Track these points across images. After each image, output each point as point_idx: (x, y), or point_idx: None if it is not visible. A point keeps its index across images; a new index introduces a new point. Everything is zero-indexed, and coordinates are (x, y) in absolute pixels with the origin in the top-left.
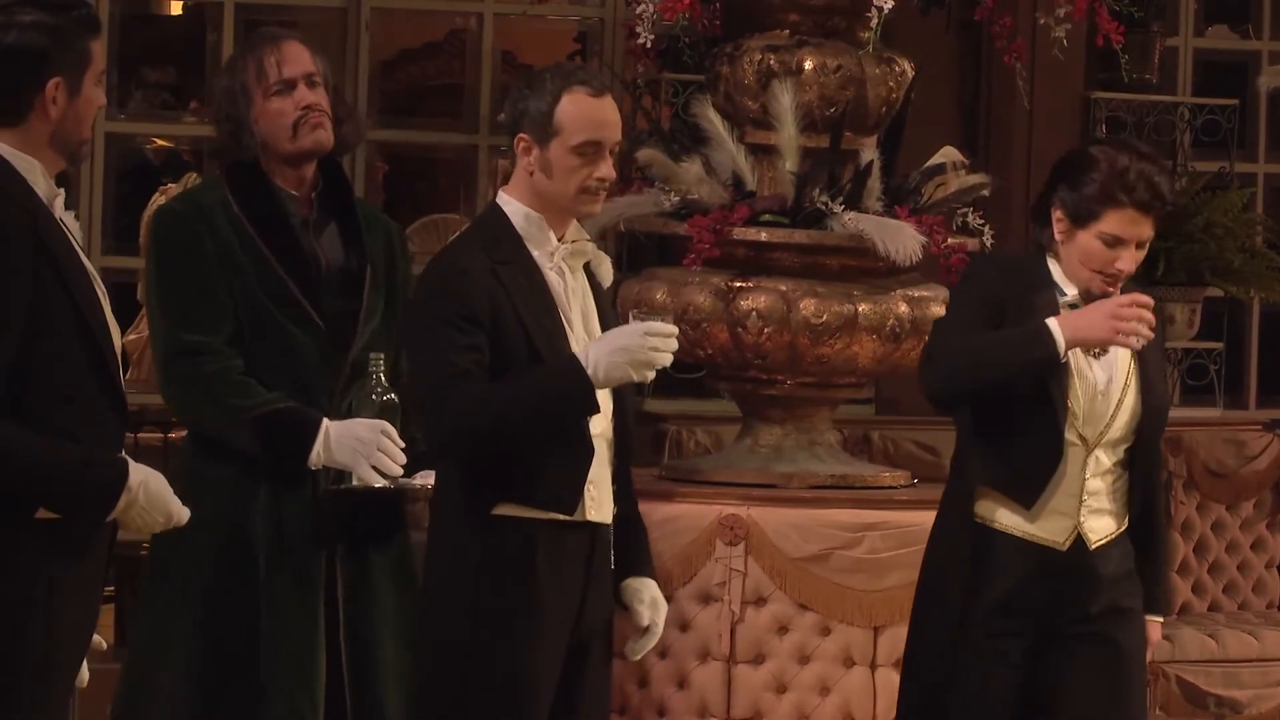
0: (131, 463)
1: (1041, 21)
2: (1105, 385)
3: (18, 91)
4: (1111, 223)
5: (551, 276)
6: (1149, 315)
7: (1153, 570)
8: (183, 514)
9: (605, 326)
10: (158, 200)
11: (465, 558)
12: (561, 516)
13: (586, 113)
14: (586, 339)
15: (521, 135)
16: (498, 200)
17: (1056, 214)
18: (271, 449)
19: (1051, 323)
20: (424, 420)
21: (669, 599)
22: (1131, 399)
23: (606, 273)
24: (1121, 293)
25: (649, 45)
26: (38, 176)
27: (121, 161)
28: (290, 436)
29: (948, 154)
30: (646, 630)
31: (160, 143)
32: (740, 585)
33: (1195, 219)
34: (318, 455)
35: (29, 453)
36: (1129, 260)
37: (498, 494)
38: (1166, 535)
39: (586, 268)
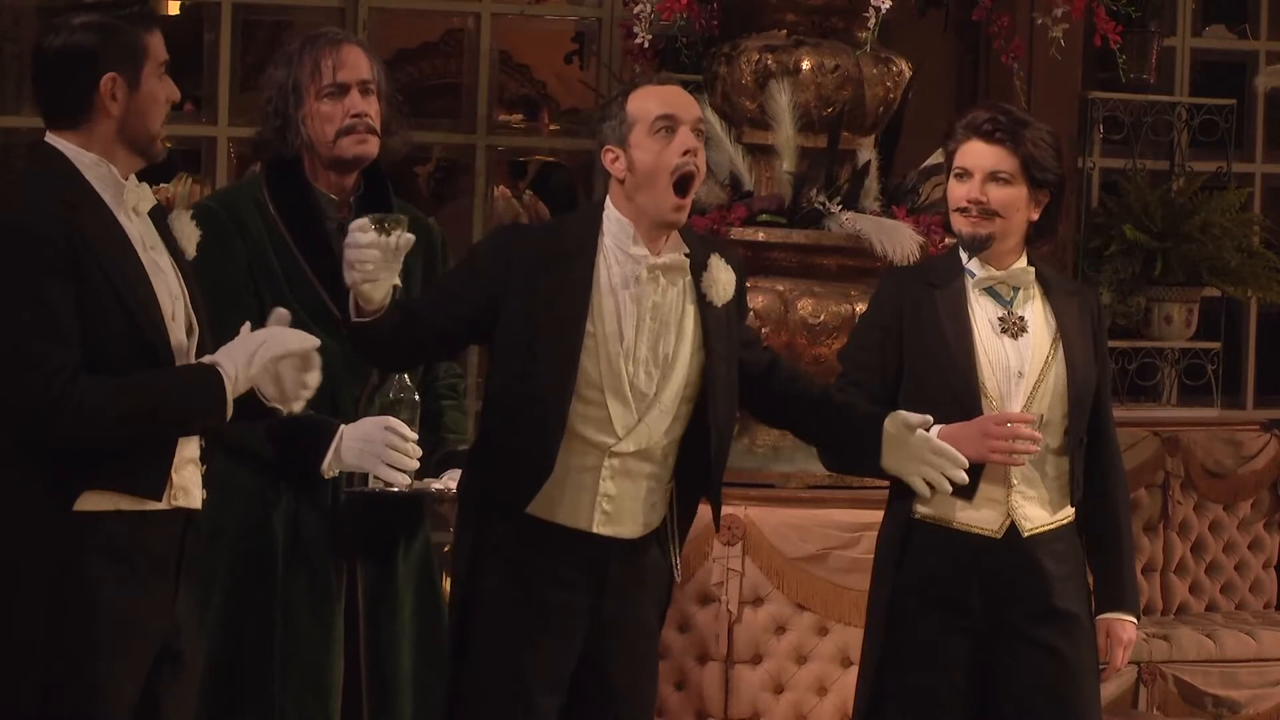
0: (212, 359)
1: (1039, 21)
2: (1021, 366)
3: (74, 93)
4: (959, 158)
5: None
6: (1024, 430)
7: (1113, 566)
8: (302, 341)
9: (713, 344)
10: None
11: (462, 541)
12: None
13: (654, 95)
14: (646, 351)
15: (607, 148)
16: (605, 202)
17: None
18: (286, 456)
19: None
20: None
21: None
22: (1053, 380)
23: (719, 293)
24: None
25: (647, 45)
26: (105, 174)
27: None
28: (304, 444)
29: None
30: None
31: None
32: (738, 585)
33: (1193, 219)
34: (329, 464)
35: (134, 389)
36: (976, 190)
37: (486, 487)
38: (1129, 530)
39: (698, 285)
